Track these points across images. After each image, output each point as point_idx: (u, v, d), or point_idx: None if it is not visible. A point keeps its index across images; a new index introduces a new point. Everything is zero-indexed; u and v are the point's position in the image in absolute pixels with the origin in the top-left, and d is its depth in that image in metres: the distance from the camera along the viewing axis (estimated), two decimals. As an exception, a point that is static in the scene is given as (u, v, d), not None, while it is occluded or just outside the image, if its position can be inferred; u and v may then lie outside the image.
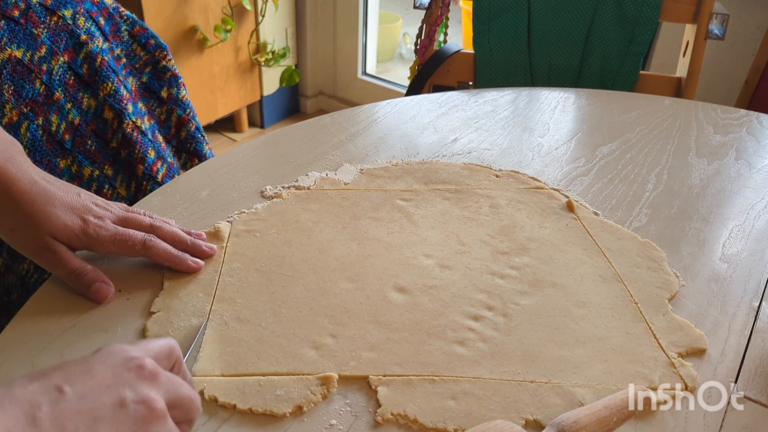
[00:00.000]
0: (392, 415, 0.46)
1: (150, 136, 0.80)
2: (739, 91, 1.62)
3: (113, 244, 0.56)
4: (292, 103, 2.56)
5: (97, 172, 0.77)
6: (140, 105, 0.81)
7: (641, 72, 1.31)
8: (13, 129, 0.69)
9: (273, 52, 2.27)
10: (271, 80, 2.37)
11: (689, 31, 1.28)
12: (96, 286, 0.54)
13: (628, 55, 1.29)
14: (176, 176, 0.78)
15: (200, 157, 0.87)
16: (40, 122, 0.71)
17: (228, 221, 0.65)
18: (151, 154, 0.79)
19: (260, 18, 2.19)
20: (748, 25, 1.67)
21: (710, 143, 0.86)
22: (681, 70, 1.31)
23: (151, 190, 0.78)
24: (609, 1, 1.26)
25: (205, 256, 0.59)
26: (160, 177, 0.80)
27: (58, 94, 0.72)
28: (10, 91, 0.68)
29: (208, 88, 2.13)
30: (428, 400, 0.47)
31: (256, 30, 2.21)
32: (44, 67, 0.71)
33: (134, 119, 0.78)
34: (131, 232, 0.56)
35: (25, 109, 0.70)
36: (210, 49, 2.08)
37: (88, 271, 0.55)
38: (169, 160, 0.83)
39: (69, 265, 0.54)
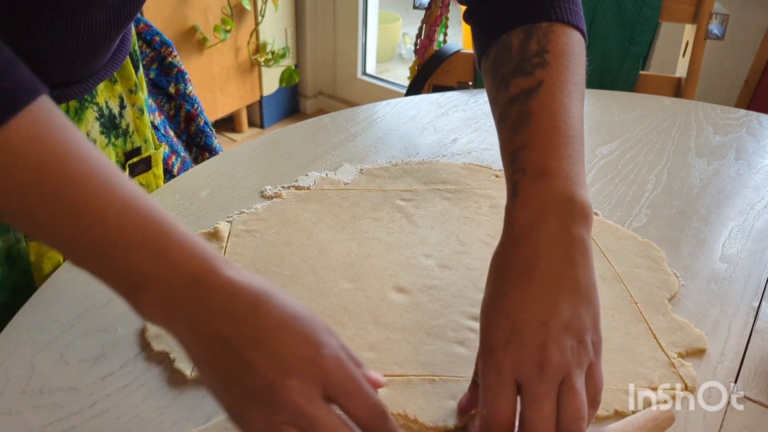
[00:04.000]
0: (392, 415, 0.45)
1: (162, 131, 0.81)
2: (739, 91, 1.62)
3: None
4: (291, 103, 2.55)
5: None
6: (150, 101, 0.81)
7: (641, 72, 1.31)
8: None
9: (273, 52, 2.27)
10: (271, 80, 2.37)
11: (689, 31, 1.27)
12: None
13: (628, 55, 1.29)
14: (190, 170, 0.78)
15: (210, 150, 0.87)
16: None
17: (228, 221, 0.65)
18: (165, 149, 0.79)
19: (260, 18, 2.19)
20: (748, 25, 1.67)
21: (710, 143, 0.86)
22: (681, 70, 1.31)
23: None
24: (609, 1, 1.26)
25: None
26: (175, 171, 0.80)
27: None
28: None
29: (207, 88, 2.13)
30: (428, 400, 0.47)
31: (256, 30, 2.21)
32: None
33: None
34: None
35: None
36: (209, 50, 2.08)
37: None
38: (182, 154, 0.83)
39: None
